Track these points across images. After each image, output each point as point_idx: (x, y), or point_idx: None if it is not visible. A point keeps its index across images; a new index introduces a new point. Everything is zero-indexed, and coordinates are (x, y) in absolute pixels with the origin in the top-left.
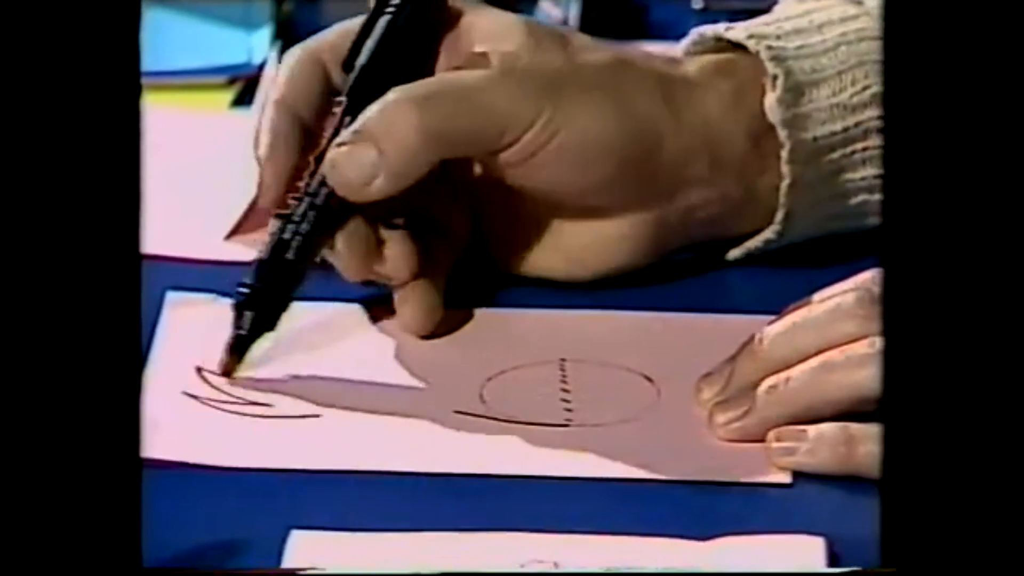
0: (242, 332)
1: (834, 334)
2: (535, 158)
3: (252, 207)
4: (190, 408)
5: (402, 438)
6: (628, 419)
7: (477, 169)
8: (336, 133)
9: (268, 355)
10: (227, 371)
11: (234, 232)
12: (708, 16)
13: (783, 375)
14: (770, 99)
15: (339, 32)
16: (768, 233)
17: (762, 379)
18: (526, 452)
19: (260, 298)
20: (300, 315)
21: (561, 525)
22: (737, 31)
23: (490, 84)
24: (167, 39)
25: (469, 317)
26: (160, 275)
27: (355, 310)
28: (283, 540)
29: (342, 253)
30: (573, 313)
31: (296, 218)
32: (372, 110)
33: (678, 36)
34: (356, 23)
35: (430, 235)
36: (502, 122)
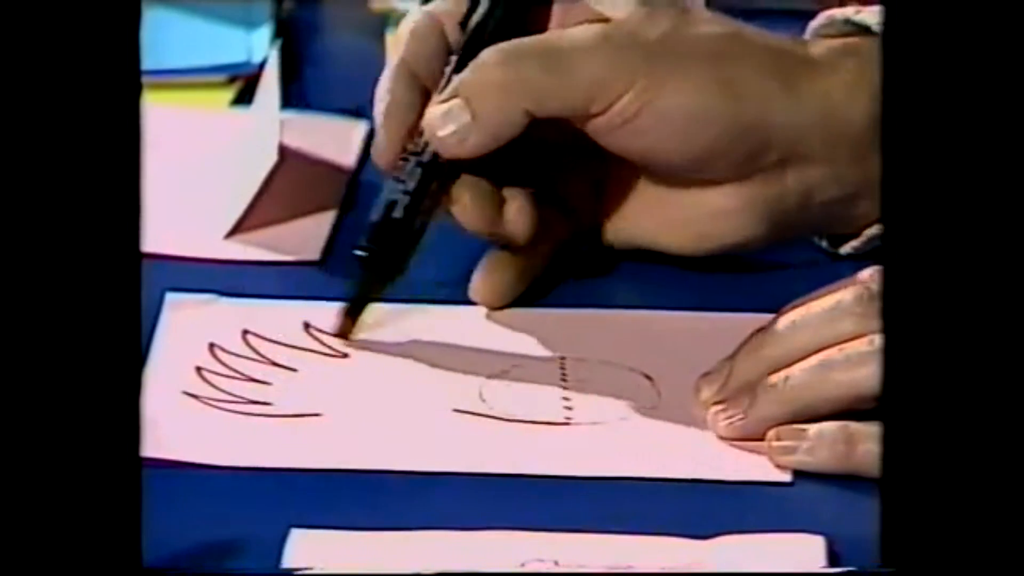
0: (355, 294)
1: (833, 332)
2: (631, 125)
3: (252, 206)
4: (190, 408)
5: (402, 437)
6: (628, 418)
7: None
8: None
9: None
10: (342, 333)
11: (234, 231)
12: None
13: (782, 373)
14: None
15: None
16: None
17: (761, 378)
18: (526, 451)
19: (370, 259)
20: (303, 316)
21: (561, 525)
22: (866, 15)
23: (585, 47)
24: (167, 38)
25: (470, 316)
26: (160, 275)
27: None
28: (283, 540)
29: (465, 204)
30: (573, 312)
31: (403, 177)
32: (467, 68)
33: None
34: None
35: (550, 206)
36: (591, 87)
